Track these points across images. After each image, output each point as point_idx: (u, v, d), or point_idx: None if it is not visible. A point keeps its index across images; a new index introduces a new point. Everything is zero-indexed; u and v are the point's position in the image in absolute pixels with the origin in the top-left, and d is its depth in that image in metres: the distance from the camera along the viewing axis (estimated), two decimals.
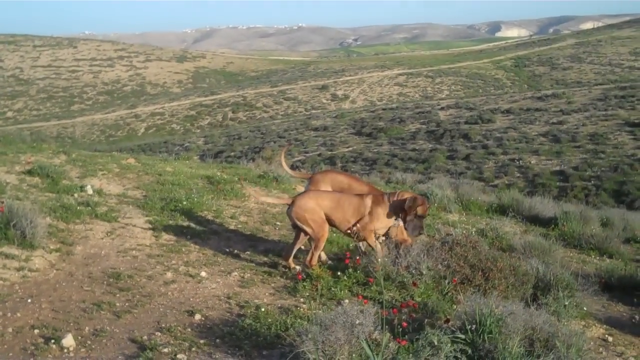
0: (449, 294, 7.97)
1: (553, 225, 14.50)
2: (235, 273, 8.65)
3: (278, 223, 11.72)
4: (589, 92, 76.06)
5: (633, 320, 8.72)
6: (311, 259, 8.52)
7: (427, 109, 77.74)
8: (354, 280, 8.27)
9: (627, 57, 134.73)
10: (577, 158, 46.91)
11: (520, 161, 47.83)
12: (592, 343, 7.52)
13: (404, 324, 6.51)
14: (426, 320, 7.18)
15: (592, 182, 41.78)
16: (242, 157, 36.14)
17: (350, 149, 59.92)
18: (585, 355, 6.32)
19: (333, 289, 8.00)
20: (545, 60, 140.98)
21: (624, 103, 62.47)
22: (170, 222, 10.70)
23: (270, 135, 74.42)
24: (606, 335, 8.08)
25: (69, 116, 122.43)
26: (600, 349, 7.64)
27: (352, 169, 47.45)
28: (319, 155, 57.87)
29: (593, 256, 12.34)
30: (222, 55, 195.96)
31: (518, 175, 45.18)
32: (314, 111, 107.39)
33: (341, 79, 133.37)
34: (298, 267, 8.73)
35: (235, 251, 9.84)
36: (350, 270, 8.38)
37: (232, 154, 59.73)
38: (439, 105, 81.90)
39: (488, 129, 59.23)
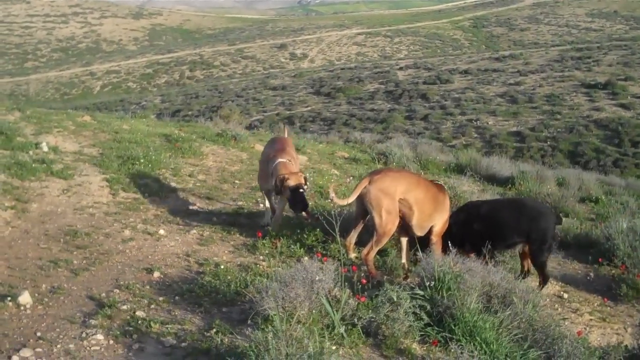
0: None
1: (510, 185, 14.68)
2: (194, 231, 8.60)
3: (237, 181, 11.66)
4: (546, 53, 76.65)
5: (588, 278, 8.87)
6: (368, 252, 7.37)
7: (386, 68, 77.70)
8: (314, 239, 8.27)
9: (583, 18, 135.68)
10: (533, 119, 47.37)
11: (478, 122, 48.16)
12: (548, 299, 7.65)
13: (364, 280, 6.54)
14: (385, 277, 7.22)
15: (548, 142, 42.30)
16: (200, 116, 35.73)
17: (309, 108, 59.73)
18: (541, 311, 6.42)
19: (292, 246, 8.00)
20: (503, 21, 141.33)
21: (580, 64, 63.10)
22: (128, 180, 10.58)
23: (228, 94, 73.82)
24: (562, 292, 8.22)
25: (22, 73, 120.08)
26: (556, 305, 7.78)
27: (311, 129, 47.29)
28: (277, 114, 57.61)
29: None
30: (179, 13, 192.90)
31: (475, 135, 45.53)
32: (272, 70, 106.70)
33: (300, 38, 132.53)
34: (354, 255, 7.90)
35: (194, 209, 9.80)
36: (310, 228, 8.37)
37: (190, 112, 59.15)
38: (397, 65, 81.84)
39: (446, 90, 59.41)
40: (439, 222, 7.58)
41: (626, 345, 6.51)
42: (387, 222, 7.16)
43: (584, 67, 61.45)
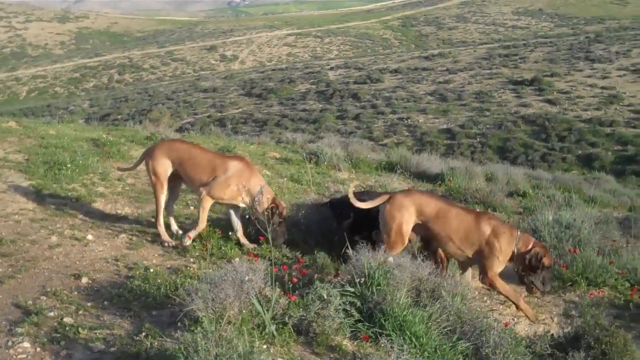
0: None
1: (440, 181, 14.86)
2: (123, 235, 8.50)
3: None
4: (474, 51, 77.96)
5: (515, 270, 9.03)
6: None
7: (317, 69, 78.03)
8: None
9: (510, 16, 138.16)
10: (463, 116, 48.13)
11: (409, 120, 48.68)
12: (476, 292, 7.77)
13: (294, 279, 6.56)
14: (316, 275, 7.26)
15: (478, 139, 43.04)
16: (130, 120, 35.47)
17: (240, 110, 59.58)
18: (470, 304, 6.54)
19: (223, 247, 7.98)
20: (432, 20, 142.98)
21: (507, 62, 64.37)
22: (55, 185, 10.41)
23: (158, 97, 73.25)
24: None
25: None
26: (485, 297, 7.91)
27: (243, 131, 47.14)
28: (209, 117, 57.35)
29: (478, 209, 12.70)
30: (106, 16, 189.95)
31: (407, 134, 46.03)
32: (202, 72, 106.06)
33: (230, 40, 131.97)
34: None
35: (123, 213, 9.68)
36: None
37: (119, 116, 58.54)
38: (328, 65, 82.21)
39: (377, 89, 59.94)
40: None
41: (552, 334, 6.65)
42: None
43: (511, 64, 62.73)
